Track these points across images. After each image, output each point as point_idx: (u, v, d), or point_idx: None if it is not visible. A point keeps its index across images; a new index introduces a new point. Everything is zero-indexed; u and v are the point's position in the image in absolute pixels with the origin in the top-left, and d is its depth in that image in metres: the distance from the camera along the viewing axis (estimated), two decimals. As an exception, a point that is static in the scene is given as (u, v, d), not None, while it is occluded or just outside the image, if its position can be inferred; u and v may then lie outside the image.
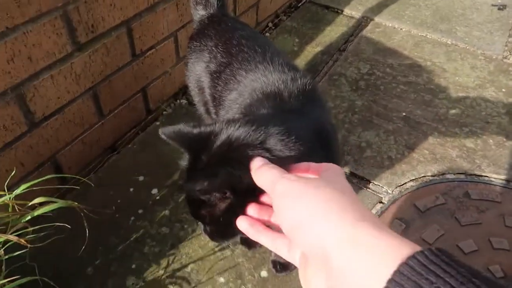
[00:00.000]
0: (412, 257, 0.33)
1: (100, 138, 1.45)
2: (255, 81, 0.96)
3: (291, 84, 0.91)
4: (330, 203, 0.40)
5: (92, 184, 1.29)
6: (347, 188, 0.45)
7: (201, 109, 1.25)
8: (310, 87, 0.93)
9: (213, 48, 1.10)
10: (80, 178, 1.19)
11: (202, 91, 1.17)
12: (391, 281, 0.32)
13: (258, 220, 0.53)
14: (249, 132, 0.58)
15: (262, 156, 0.54)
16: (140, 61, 1.49)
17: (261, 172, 0.49)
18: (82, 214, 1.03)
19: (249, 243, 1.21)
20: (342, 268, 0.36)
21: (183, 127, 0.66)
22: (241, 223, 0.53)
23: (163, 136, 0.65)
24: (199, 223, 0.72)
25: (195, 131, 0.64)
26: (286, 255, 0.49)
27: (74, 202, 0.96)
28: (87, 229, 1.04)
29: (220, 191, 0.58)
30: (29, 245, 0.84)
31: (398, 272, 0.32)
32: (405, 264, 0.33)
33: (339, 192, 0.42)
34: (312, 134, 0.79)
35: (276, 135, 0.59)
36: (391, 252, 0.34)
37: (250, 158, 0.53)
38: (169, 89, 1.69)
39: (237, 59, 1.03)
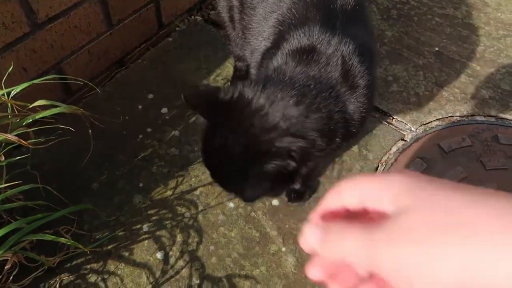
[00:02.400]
0: None
1: (108, 50, 1.35)
2: None
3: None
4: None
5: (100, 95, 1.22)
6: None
7: (224, 15, 1.13)
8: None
9: None
10: (87, 82, 1.10)
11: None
12: None
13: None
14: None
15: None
16: (153, -34, 1.34)
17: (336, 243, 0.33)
18: (88, 125, 0.96)
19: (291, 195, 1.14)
20: None
21: (210, 91, 0.63)
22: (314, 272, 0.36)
23: (186, 102, 0.62)
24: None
25: (226, 97, 0.62)
26: None
27: (79, 108, 0.89)
28: (92, 139, 0.98)
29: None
30: (30, 146, 0.77)
31: None
32: None
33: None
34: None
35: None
36: None
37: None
38: (183, 3, 1.55)
39: None
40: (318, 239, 0.34)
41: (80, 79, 1.13)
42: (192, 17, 1.60)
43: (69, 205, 0.96)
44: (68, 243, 0.92)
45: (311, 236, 0.34)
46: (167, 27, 1.53)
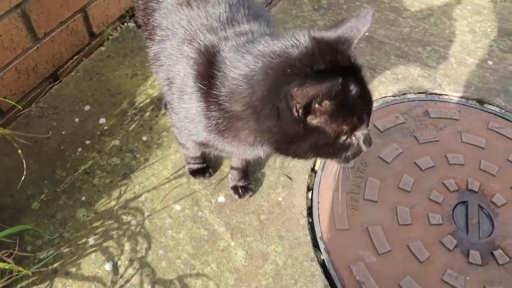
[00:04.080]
0: None
1: (37, 65, 1.31)
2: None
3: None
4: None
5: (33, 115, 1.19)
6: None
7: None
8: None
9: None
10: (15, 104, 1.07)
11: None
12: None
13: None
14: None
15: None
16: (75, -24, 1.31)
17: None
18: (16, 145, 0.93)
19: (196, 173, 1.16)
20: None
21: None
22: None
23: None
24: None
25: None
26: None
27: (3, 128, 0.86)
28: (24, 159, 0.95)
29: None
30: None
31: None
32: None
33: None
34: None
35: None
36: None
37: None
38: (114, 10, 1.53)
39: None
40: None
41: (6, 100, 1.09)
42: (125, 24, 1.59)
43: (9, 228, 0.93)
44: (6, 267, 0.89)
45: None
46: (99, 36, 1.50)
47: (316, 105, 0.60)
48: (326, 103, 0.60)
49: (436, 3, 1.73)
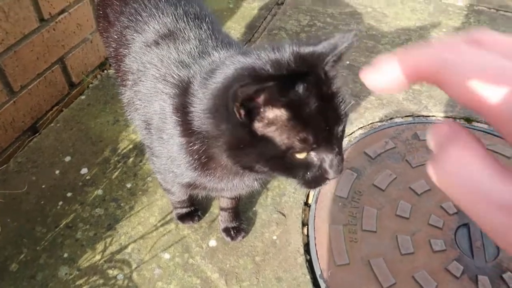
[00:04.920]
0: None
1: (14, 119, 1.27)
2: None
3: None
4: None
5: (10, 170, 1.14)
6: None
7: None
8: None
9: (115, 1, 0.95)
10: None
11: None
12: None
13: None
14: None
15: None
16: (51, 27, 1.30)
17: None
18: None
19: (184, 218, 1.11)
20: None
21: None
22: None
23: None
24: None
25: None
26: None
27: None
28: (2, 218, 0.89)
29: None
30: None
31: None
32: None
33: None
34: None
35: None
36: None
37: None
38: (92, 59, 1.52)
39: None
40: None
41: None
42: (105, 71, 1.57)
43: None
44: None
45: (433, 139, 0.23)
46: (78, 85, 1.48)
47: (263, 110, 0.56)
48: (276, 110, 0.56)
49: (412, 28, 1.76)
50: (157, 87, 0.75)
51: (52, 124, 1.38)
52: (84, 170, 1.23)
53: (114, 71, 0.99)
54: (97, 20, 1.07)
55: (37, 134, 1.35)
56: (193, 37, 0.79)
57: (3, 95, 1.21)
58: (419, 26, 1.77)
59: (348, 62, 1.60)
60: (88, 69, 1.51)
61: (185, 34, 0.81)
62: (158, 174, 0.91)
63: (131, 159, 1.26)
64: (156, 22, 0.84)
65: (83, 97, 1.47)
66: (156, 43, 0.80)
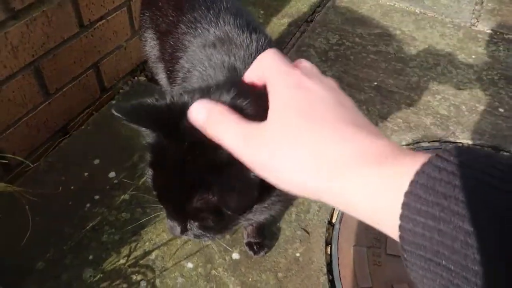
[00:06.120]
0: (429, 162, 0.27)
1: (48, 120, 1.30)
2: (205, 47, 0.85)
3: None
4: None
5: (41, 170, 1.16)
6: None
7: (163, 81, 1.13)
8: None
9: (164, 4, 0.99)
10: (23, 160, 1.05)
11: (159, 59, 1.06)
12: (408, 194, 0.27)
13: None
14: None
15: None
16: (89, 33, 1.34)
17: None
18: (24, 202, 0.90)
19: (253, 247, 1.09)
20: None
21: (143, 101, 0.52)
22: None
23: (117, 114, 0.47)
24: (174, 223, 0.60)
25: (162, 103, 0.50)
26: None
27: (11, 185, 0.83)
28: (31, 216, 0.91)
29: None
30: None
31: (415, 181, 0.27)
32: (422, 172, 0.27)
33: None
34: None
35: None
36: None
37: None
38: (125, 65, 1.55)
39: (186, 18, 0.92)
40: (203, 119, 0.39)
41: (15, 157, 1.07)
42: (136, 78, 1.60)
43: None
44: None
45: (197, 114, 0.40)
46: (110, 90, 1.51)
47: None
48: None
49: (441, 53, 1.76)
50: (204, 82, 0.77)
51: (82, 127, 1.41)
52: (112, 174, 1.25)
53: (160, 73, 1.02)
54: (144, 28, 1.11)
55: (67, 136, 1.38)
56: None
57: (39, 96, 1.24)
58: (448, 52, 1.77)
59: (376, 83, 1.60)
60: (120, 75, 1.54)
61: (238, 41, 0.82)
62: None
63: (158, 166, 1.28)
64: (214, 28, 0.87)
65: (113, 102, 1.50)
66: (211, 46, 0.82)
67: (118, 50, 1.49)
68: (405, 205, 0.27)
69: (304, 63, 0.40)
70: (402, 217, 0.27)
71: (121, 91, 1.54)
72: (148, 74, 1.62)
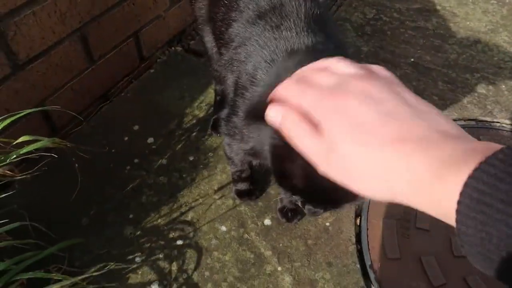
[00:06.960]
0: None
1: (91, 86, 1.36)
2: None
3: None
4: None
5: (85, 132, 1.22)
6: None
7: (208, 44, 1.14)
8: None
9: None
10: (75, 114, 1.11)
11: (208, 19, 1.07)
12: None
13: None
14: None
15: None
16: (131, 2, 1.37)
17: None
18: (73, 159, 0.96)
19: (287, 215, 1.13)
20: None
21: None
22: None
23: None
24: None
25: None
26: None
27: (64, 141, 0.89)
28: (79, 174, 0.98)
29: None
30: (18, 176, 0.77)
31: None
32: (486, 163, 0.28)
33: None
34: None
35: None
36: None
37: None
38: (163, 35, 1.59)
39: None
40: (278, 122, 0.41)
41: (66, 110, 1.14)
42: (173, 48, 1.64)
43: (59, 242, 0.95)
44: (59, 278, 0.90)
45: (271, 117, 0.42)
46: (148, 59, 1.56)
47: None
48: None
49: (482, 30, 1.71)
50: (256, 50, 0.79)
51: (122, 94, 1.46)
52: (150, 140, 1.31)
53: (209, 34, 1.07)
54: None
55: (108, 102, 1.44)
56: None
57: (84, 62, 1.30)
58: (490, 29, 1.71)
59: (412, 60, 1.58)
60: (158, 45, 1.58)
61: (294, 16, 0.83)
62: (227, 137, 0.95)
63: (194, 134, 1.32)
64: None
65: (152, 70, 1.54)
66: (265, 18, 0.84)
67: (157, 19, 1.52)
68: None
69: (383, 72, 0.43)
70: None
71: (158, 60, 1.58)
72: (185, 45, 1.65)
